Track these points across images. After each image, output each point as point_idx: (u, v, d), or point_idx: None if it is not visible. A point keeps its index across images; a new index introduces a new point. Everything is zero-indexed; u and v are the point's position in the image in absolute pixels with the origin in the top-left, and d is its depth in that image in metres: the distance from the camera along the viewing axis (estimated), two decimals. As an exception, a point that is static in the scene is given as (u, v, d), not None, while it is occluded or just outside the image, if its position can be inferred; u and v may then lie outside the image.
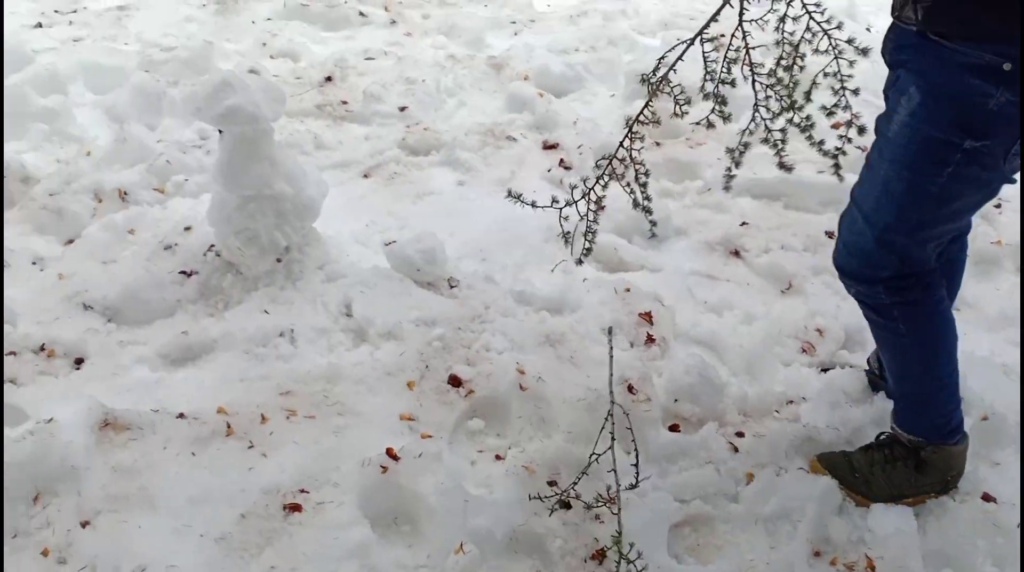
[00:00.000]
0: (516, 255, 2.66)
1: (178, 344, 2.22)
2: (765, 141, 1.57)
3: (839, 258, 1.75)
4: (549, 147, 3.23)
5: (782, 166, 1.55)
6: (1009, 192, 2.96)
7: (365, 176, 3.11)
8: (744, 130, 1.54)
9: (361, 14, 4.20)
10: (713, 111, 1.61)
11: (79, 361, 2.19)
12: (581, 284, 2.48)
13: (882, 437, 1.88)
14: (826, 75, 1.42)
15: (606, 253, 2.64)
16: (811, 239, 2.66)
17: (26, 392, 2.04)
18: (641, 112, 1.65)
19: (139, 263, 2.43)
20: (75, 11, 4.00)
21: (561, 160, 3.13)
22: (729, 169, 1.59)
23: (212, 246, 2.45)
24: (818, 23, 1.52)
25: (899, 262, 1.65)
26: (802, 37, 1.45)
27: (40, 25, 3.84)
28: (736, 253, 2.66)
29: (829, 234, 2.67)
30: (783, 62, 1.51)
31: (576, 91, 3.64)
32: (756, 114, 1.54)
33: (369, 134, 3.36)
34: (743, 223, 2.76)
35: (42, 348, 2.20)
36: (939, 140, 1.50)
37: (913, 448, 1.81)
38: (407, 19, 4.24)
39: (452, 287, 2.47)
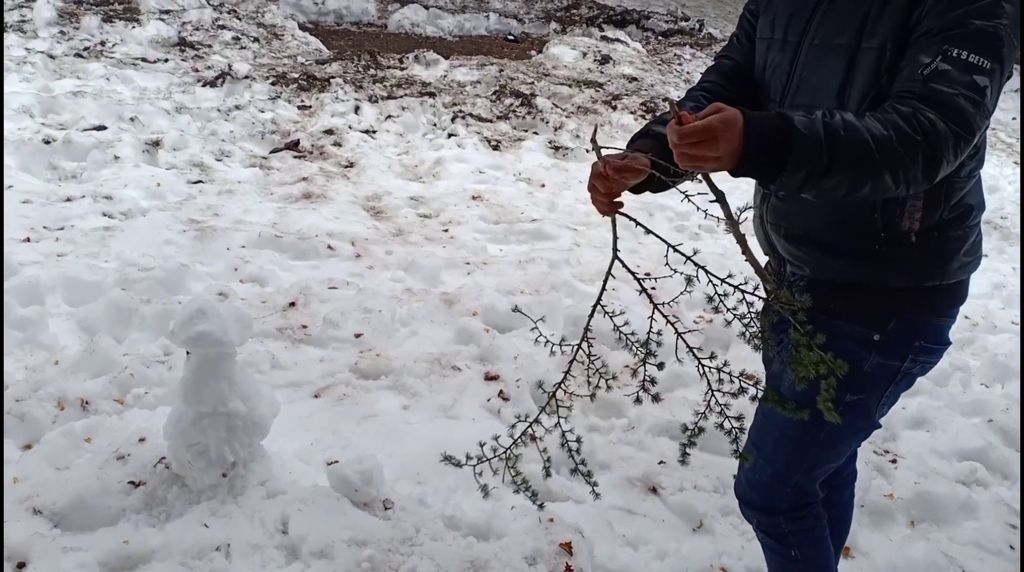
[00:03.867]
0: (449, 479, 2.83)
1: (118, 553, 2.31)
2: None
3: (742, 492, 1.95)
4: (491, 378, 3.49)
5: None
6: (904, 448, 3.25)
7: (315, 396, 3.31)
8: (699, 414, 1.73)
9: (329, 247, 4.58)
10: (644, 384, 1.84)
11: (21, 565, 2.27)
12: (509, 511, 2.65)
13: None
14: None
15: (535, 482, 2.82)
16: (720, 481, 2.89)
17: (-37, 593, 2.11)
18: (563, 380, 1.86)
19: (91, 471, 2.56)
20: (62, 228, 4.32)
21: (500, 391, 3.37)
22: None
23: (163, 458, 2.61)
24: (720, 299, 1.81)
25: (794, 495, 1.87)
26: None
27: (28, 239, 4.14)
28: (654, 490, 2.87)
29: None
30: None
31: (519, 329, 3.96)
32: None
33: (324, 357, 3.60)
34: (661, 462, 2.99)
35: (-14, 550, 2.28)
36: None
37: None
38: (371, 254, 4.63)
39: (387, 508, 2.62)
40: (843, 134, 1.42)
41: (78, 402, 2.93)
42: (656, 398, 1.80)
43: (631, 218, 1.73)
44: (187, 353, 2.51)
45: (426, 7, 12.10)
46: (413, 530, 2.52)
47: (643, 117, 7.67)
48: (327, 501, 2.56)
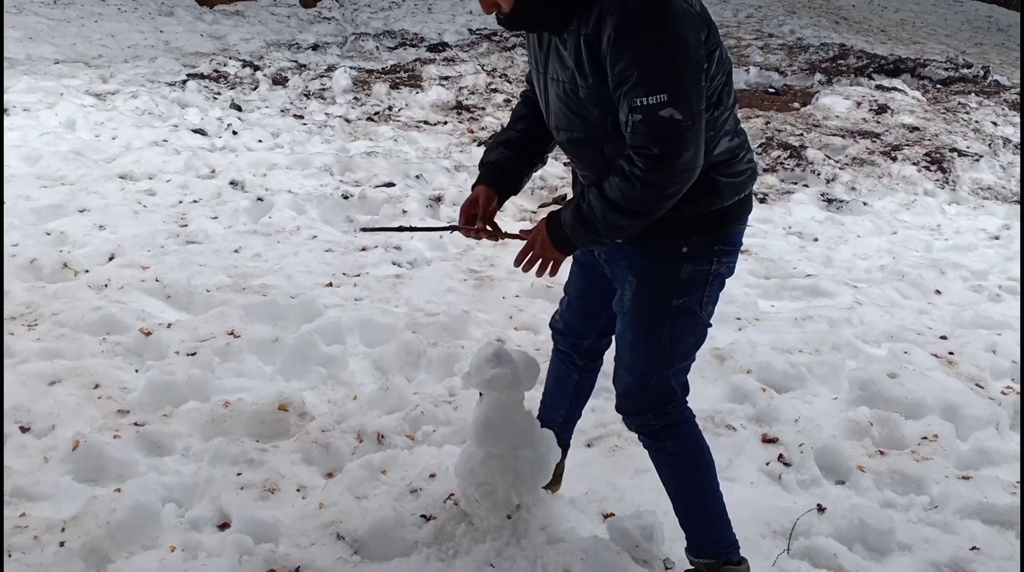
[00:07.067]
0: (729, 545, 2.70)
1: (413, 584, 2.42)
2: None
3: (619, 405, 2.37)
4: (768, 440, 3.32)
5: None
6: None
7: (588, 445, 3.31)
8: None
9: (598, 298, 4.62)
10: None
11: (327, 586, 2.44)
12: (798, 585, 2.48)
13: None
14: None
15: (826, 558, 2.63)
16: (1051, 574, 2.53)
17: (282, 609, 2.29)
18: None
19: (388, 502, 2.71)
20: (359, 275, 4.69)
21: (781, 455, 3.20)
22: None
23: (452, 495, 2.71)
24: None
25: (655, 393, 2.28)
26: None
27: (331, 285, 4.54)
28: (966, 578, 2.57)
29: (1072, 572, 2.52)
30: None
31: (797, 389, 3.75)
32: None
33: (595, 406, 3.58)
34: (973, 548, 2.67)
35: (297, 570, 2.47)
36: (657, 305, 2.18)
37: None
38: (639, 306, 4.61)
39: (667, 569, 2.54)
40: (598, 216, 2.02)
41: (375, 436, 3.13)
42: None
43: (503, 235, 2.35)
44: (480, 395, 2.61)
45: (685, 64, 12.10)
46: (696, 594, 2.42)
47: (927, 168, 7.13)
48: (608, 554, 2.52)
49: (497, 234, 2.33)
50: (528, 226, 5.84)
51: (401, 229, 2.55)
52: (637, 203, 1.96)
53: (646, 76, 1.81)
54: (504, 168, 2.28)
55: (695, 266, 2.14)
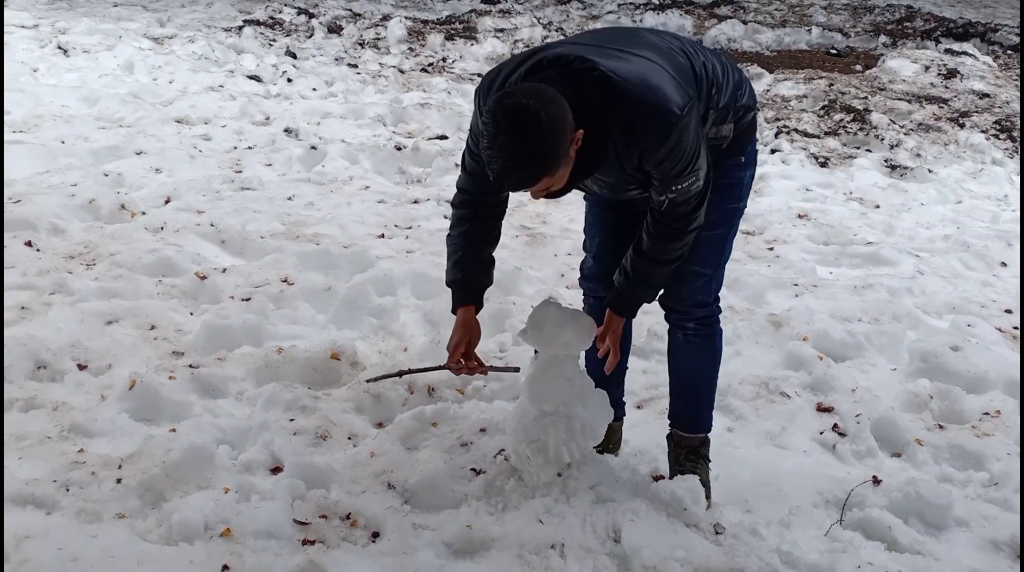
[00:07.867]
0: (781, 511, 2.66)
1: (462, 536, 2.42)
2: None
3: (691, 304, 2.59)
4: (823, 409, 3.26)
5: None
6: None
7: (638, 407, 3.28)
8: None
9: (651, 259, 4.56)
10: None
11: (376, 535, 2.45)
12: (851, 557, 2.43)
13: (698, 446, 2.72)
14: None
15: (880, 530, 2.58)
16: (1118, 560, 2.45)
17: (332, 555, 2.30)
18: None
19: (438, 454, 2.72)
20: (411, 228, 4.68)
21: (835, 425, 3.13)
22: None
23: (502, 450, 2.71)
24: None
25: (719, 286, 2.63)
26: None
27: (383, 236, 4.53)
28: (1026, 558, 2.50)
29: None
30: None
31: (854, 359, 3.67)
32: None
33: (647, 368, 3.56)
34: (1036, 527, 2.60)
35: (347, 516, 2.49)
36: (731, 207, 2.51)
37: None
38: (693, 268, 4.54)
39: (717, 533, 2.51)
40: (656, 272, 2.44)
41: (425, 388, 3.13)
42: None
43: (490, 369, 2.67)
44: (535, 352, 2.58)
45: (744, 22, 11.82)
46: (747, 560, 2.39)
47: (996, 137, 6.88)
48: (658, 516, 2.51)
49: (485, 369, 2.58)
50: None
51: (401, 374, 2.74)
52: (682, 246, 2.41)
53: (680, 172, 2.24)
54: (472, 280, 2.58)
55: (750, 171, 2.53)
